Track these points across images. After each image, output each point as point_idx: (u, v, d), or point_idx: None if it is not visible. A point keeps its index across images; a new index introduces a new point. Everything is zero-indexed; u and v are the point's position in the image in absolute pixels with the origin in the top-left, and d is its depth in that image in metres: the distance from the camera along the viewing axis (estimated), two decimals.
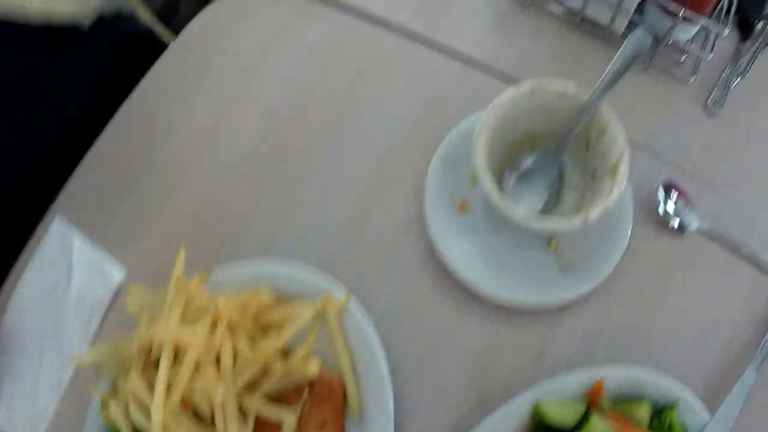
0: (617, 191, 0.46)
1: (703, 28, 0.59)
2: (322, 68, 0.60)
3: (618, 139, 0.48)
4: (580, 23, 0.61)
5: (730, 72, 0.62)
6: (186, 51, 0.63)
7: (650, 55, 0.60)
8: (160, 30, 0.79)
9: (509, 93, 0.49)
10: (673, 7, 0.56)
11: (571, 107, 0.49)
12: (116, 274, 0.56)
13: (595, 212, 0.46)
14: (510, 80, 0.59)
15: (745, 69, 0.63)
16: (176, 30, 0.86)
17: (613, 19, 0.59)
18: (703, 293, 0.53)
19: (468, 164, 0.49)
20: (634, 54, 0.48)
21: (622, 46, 0.48)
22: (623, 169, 0.47)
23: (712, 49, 0.58)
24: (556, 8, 0.62)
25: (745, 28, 0.66)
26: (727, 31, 0.56)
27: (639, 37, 0.48)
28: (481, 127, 0.47)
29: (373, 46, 0.61)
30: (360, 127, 0.57)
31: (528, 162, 0.51)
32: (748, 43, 0.65)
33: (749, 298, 0.53)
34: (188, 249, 0.50)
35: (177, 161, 0.57)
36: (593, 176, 0.50)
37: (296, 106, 0.59)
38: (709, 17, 0.59)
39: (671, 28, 0.57)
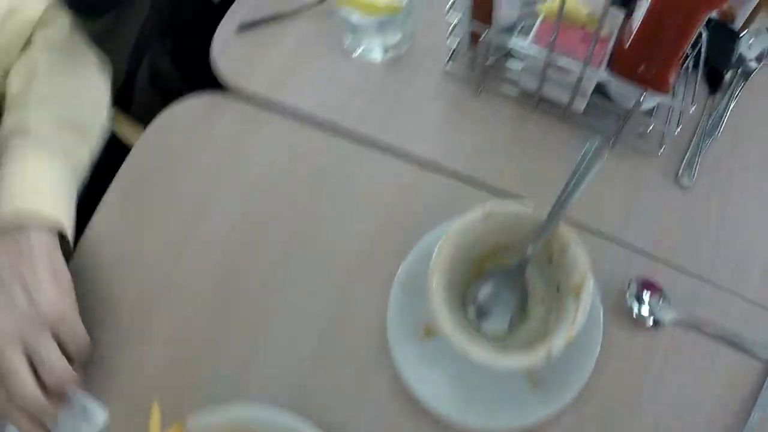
0: (581, 319, 0.45)
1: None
2: (275, 182, 0.58)
3: (579, 260, 0.46)
4: (538, 104, 0.59)
5: (701, 134, 0.60)
6: (140, 169, 0.61)
7: (615, 134, 0.57)
8: (119, 126, 0.78)
9: (461, 222, 0.47)
10: (633, 89, 0.53)
11: (530, 225, 0.48)
12: (99, 415, 0.56)
13: (558, 344, 0.44)
14: (467, 180, 0.57)
15: (716, 126, 0.60)
16: (136, 117, 0.85)
17: (572, 100, 0.56)
18: (683, 384, 0.52)
19: None
20: (591, 167, 0.46)
21: (577, 161, 0.46)
22: (586, 295, 0.45)
23: (678, 123, 0.55)
24: (510, 90, 0.59)
25: (713, 80, 0.63)
26: (693, 108, 0.53)
27: (594, 149, 0.46)
28: (434, 265, 0.46)
29: (326, 155, 0.59)
30: (318, 251, 0.55)
31: (488, 289, 0.50)
32: (718, 96, 0.62)
33: (731, 380, 0.52)
34: (163, 387, 0.51)
35: (141, 297, 0.56)
36: (558, 289, 0.49)
37: (252, 229, 0.57)
38: (674, 88, 0.56)
39: (634, 108, 0.54)
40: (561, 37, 0.53)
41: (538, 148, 0.58)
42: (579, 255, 0.47)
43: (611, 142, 0.58)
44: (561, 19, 0.51)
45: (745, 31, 0.64)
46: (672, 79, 0.54)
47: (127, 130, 0.86)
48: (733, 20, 0.64)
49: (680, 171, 0.58)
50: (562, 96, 0.57)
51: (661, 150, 0.58)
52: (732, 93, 0.62)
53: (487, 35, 0.54)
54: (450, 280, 0.48)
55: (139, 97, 0.83)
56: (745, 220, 0.57)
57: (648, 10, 0.50)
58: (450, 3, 0.55)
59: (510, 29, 0.57)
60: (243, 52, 0.64)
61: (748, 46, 0.64)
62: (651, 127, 0.58)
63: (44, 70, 0.58)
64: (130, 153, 0.63)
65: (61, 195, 0.54)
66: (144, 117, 0.85)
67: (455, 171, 0.57)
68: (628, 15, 0.56)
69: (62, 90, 0.59)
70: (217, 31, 0.65)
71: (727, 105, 0.62)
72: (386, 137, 0.58)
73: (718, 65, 0.62)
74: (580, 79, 0.53)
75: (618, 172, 0.57)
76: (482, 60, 0.57)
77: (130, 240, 0.58)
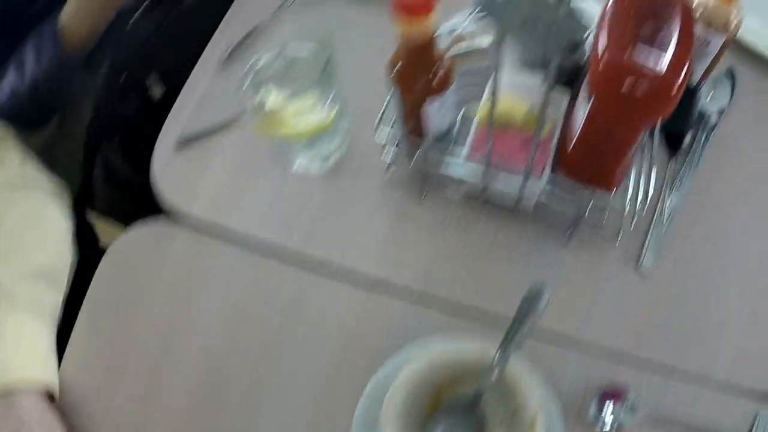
0: None
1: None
2: (230, 314, 0.57)
3: (529, 399, 0.45)
4: (484, 205, 0.56)
5: (661, 209, 0.57)
6: (101, 304, 0.61)
7: (568, 233, 0.55)
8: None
9: (405, 374, 0.46)
10: (581, 191, 0.50)
11: (477, 367, 0.47)
12: None
13: None
14: (421, 296, 0.55)
15: (678, 196, 0.57)
16: (100, 210, 0.85)
17: (519, 200, 0.54)
18: None
19: None
20: (533, 311, 0.45)
21: (518, 307, 0.45)
22: None
23: (633, 219, 0.52)
24: (455, 193, 0.57)
25: (673, 142, 0.59)
26: (646, 209, 0.50)
27: (535, 293, 0.44)
28: (384, 419, 0.46)
29: (276, 283, 0.57)
30: (278, 386, 0.54)
31: (445, 422, 0.49)
32: (679, 159, 0.59)
33: None
34: None
35: None
36: (515, 415, 0.49)
37: (212, 365, 0.56)
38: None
39: (583, 210, 0.52)
40: (499, 144, 0.51)
41: (490, 252, 0.56)
42: (529, 394, 0.46)
43: (566, 238, 0.55)
44: (492, 131, 0.48)
45: (704, 82, 0.60)
46: (620, 178, 0.51)
47: (96, 224, 0.87)
48: (690, 74, 0.59)
49: (642, 256, 0.55)
50: (508, 196, 0.54)
51: (619, 239, 0.55)
52: (694, 155, 0.59)
53: (421, 151, 0.51)
54: (408, 416, 0.48)
55: (98, 192, 0.82)
56: (713, 299, 0.55)
57: (585, 121, 0.47)
58: (377, 119, 0.53)
59: (446, 134, 0.54)
60: (183, 172, 0.62)
61: (708, 99, 0.60)
62: (606, 217, 0.55)
63: (3, 221, 0.58)
64: (90, 287, 0.62)
65: (43, 353, 0.55)
66: (107, 210, 0.85)
67: (407, 287, 0.55)
68: (574, 98, 0.53)
69: (26, 241, 0.59)
70: (155, 150, 0.63)
71: (689, 169, 0.58)
72: (334, 257, 0.57)
73: (676, 130, 0.58)
74: (524, 186, 0.51)
75: (575, 267, 0.55)
76: (420, 170, 0.55)
77: (100, 377, 0.58)
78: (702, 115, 0.60)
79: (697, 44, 0.57)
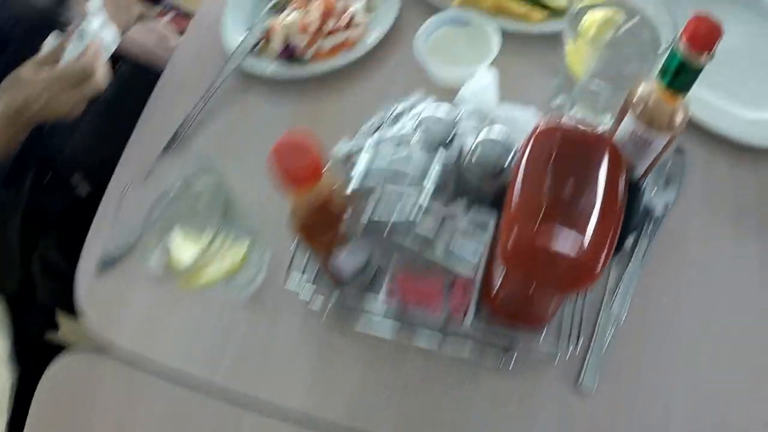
0: None
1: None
2: None
3: None
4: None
5: (602, 323, 0.53)
6: None
7: (500, 365, 0.52)
8: None
9: None
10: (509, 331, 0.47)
11: None
12: None
13: None
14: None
15: (620, 305, 0.54)
16: (45, 300, 0.83)
17: (440, 345, 0.51)
18: None
19: None
20: None
21: None
22: None
23: (568, 351, 0.49)
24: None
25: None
26: (579, 346, 0.47)
27: None
28: None
29: (203, 420, 0.55)
30: None
31: None
32: (622, 261, 0.55)
33: None
34: None
35: None
36: None
37: None
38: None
39: (512, 351, 0.49)
40: (417, 288, 0.47)
41: (422, 382, 0.53)
42: None
43: (499, 366, 0.52)
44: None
45: (648, 176, 0.55)
46: (550, 316, 0.48)
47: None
48: (632, 170, 0.54)
49: (582, 375, 0.53)
50: (432, 341, 0.51)
51: (556, 361, 0.52)
52: (638, 255, 0.55)
53: (333, 304, 0.48)
54: None
55: (39, 284, 0.80)
56: (657, 411, 0.52)
57: (502, 280, 0.43)
58: (288, 264, 0.49)
59: (365, 268, 0.51)
60: (106, 299, 0.60)
61: (653, 193, 0.56)
62: (541, 339, 0.52)
63: None
64: (28, 418, 0.61)
65: None
66: (48, 301, 0.83)
67: (336, 423, 0.53)
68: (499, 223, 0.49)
69: None
70: (77, 276, 0.61)
71: (632, 271, 0.54)
72: (260, 392, 0.54)
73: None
74: (445, 331, 0.48)
75: (511, 392, 0.52)
76: (342, 308, 0.51)
77: None
78: (647, 211, 0.56)
79: (639, 143, 0.52)
